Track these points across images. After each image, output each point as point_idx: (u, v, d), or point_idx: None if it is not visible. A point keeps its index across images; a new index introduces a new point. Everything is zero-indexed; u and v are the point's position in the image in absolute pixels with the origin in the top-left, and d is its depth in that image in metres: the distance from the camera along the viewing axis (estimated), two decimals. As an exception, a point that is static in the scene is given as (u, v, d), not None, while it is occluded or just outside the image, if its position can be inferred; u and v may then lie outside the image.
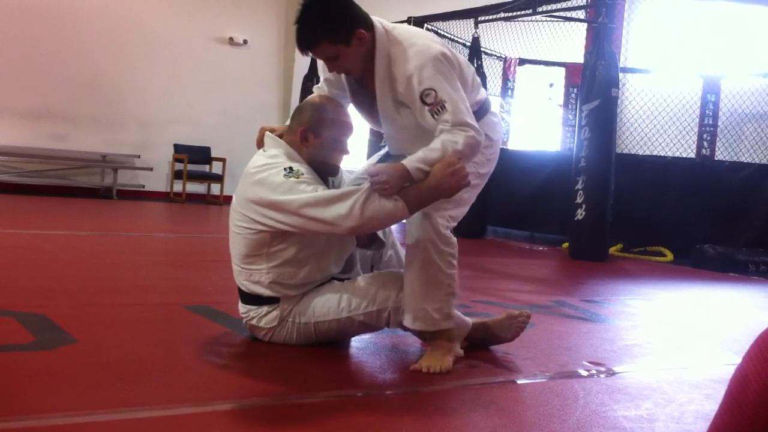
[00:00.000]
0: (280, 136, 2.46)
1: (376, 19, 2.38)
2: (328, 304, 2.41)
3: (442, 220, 2.38)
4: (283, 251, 2.37)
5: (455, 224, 2.46)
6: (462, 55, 2.50)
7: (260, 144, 2.50)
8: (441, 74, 2.26)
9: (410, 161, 2.23)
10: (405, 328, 2.46)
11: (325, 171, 2.46)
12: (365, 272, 2.63)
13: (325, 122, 2.40)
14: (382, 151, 2.72)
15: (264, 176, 2.30)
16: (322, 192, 2.24)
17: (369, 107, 2.49)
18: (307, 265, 2.41)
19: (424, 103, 2.25)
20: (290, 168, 2.29)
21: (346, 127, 2.46)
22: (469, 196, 2.47)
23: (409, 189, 2.21)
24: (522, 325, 2.63)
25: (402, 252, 2.68)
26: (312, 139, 2.40)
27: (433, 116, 2.25)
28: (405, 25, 2.47)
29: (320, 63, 2.53)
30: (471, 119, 2.28)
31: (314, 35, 2.29)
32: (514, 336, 2.64)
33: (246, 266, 2.42)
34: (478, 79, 2.52)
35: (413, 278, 2.36)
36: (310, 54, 2.35)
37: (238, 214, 2.39)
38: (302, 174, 2.28)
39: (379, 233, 2.58)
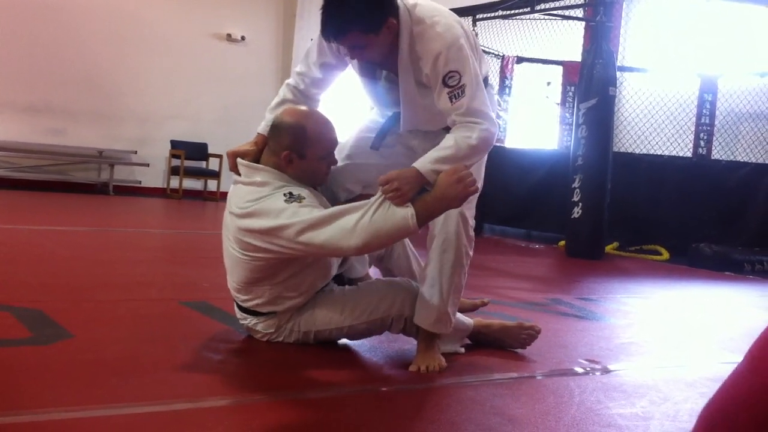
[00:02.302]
0: (257, 160, 2.34)
1: None
2: (330, 315, 2.39)
3: (472, 221, 2.35)
4: (287, 271, 2.31)
5: None
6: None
7: (234, 170, 2.36)
8: (465, 57, 2.16)
9: (423, 163, 2.12)
10: (407, 334, 2.44)
11: (314, 184, 2.38)
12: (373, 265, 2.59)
13: (308, 142, 2.28)
14: (375, 119, 2.52)
15: (261, 206, 2.19)
16: (324, 211, 2.13)
17: (384, 90, 2.37)
18: (310, 277, 2.37)
19: (445, 84, 2.15)
20: (290, 193, 2.20)
21: (330, 142, 2.34)
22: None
23: (415, 201, 2.09)
24: (531, 339, 2.63)
25: (412, 250, 2.64)
26: (297, 161, 2.29)
27: (450, 100, 2.15)
28: (423, 1, 2.27)
29: (315, 47, 2.38)
30: (487, 108, 2.18)
31: (345, 24, 2.12)
32: (521, 346, 2.64)
33: (247, 288, 2.37)
34: (481, 50, 2.43)
35: (445, 283, 2.32)
36: (335, 43, 2.22)
37: (238, 241, 2.28)
38: (304, 198, 2.18)
39: None
